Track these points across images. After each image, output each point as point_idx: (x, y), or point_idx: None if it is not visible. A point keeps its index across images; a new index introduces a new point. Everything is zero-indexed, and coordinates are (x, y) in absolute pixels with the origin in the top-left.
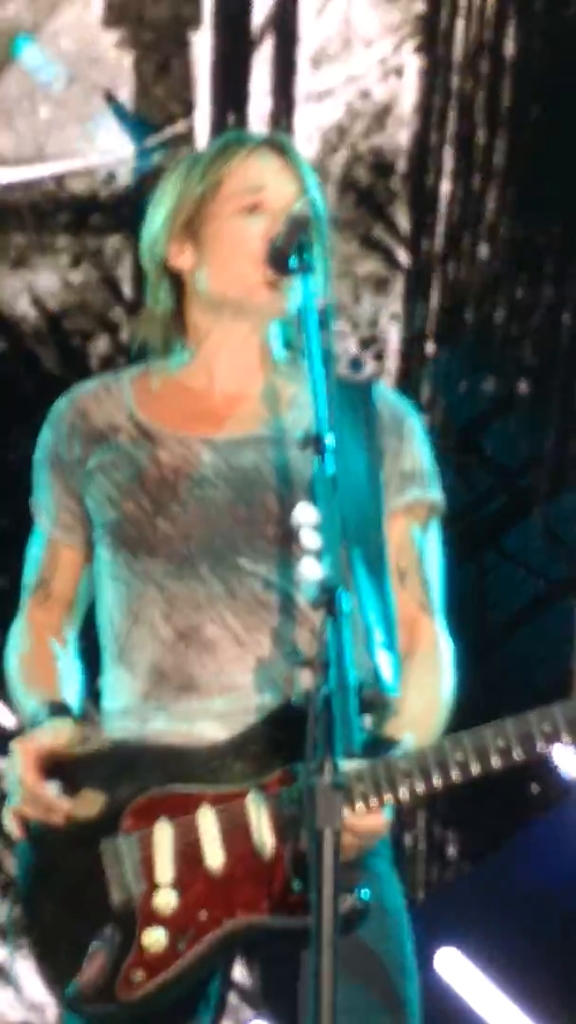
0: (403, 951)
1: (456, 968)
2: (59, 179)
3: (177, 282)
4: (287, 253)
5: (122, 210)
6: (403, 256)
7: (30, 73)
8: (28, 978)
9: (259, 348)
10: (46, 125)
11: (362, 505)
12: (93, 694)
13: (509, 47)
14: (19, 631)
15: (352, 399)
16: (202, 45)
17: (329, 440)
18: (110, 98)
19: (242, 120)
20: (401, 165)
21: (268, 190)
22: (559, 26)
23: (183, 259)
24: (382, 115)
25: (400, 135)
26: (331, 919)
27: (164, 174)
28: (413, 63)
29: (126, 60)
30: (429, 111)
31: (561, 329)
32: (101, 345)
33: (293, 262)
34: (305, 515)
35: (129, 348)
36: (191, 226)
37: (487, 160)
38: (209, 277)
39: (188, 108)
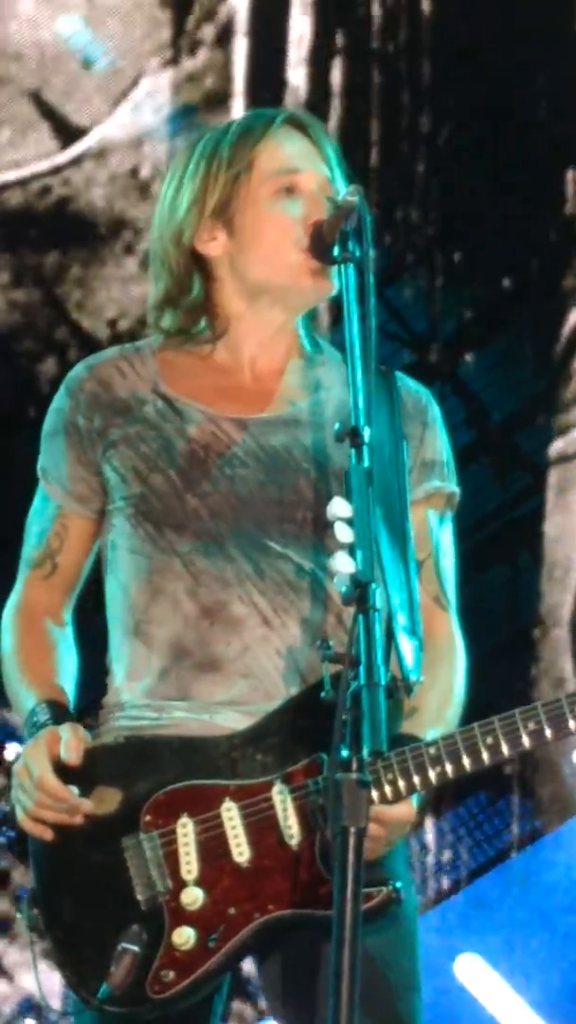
0: (413, 962)
1: (476, 973)
2: None
3: (203, 268)
4: (330, 241)
5: (58, 224)
6: None
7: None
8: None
9: (288, 334)
10: None
11: (388, 490)
12: (87, 673)
13: (426, 8)
14: (15, 611)
15: (377, 387)
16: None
17: (366, 433)
18: (38, 100)
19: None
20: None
21: (302, 173)
22: None
23: (214, 246)
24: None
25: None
26: (353, 920)
27: (179, 153)
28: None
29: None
30: (354, 91)
31: (502, 295)
32: (49, 367)
33: (336, 250)
34: (339, 509)
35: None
36: (223, 212)
37: (414, 126)
38: (249, 264)
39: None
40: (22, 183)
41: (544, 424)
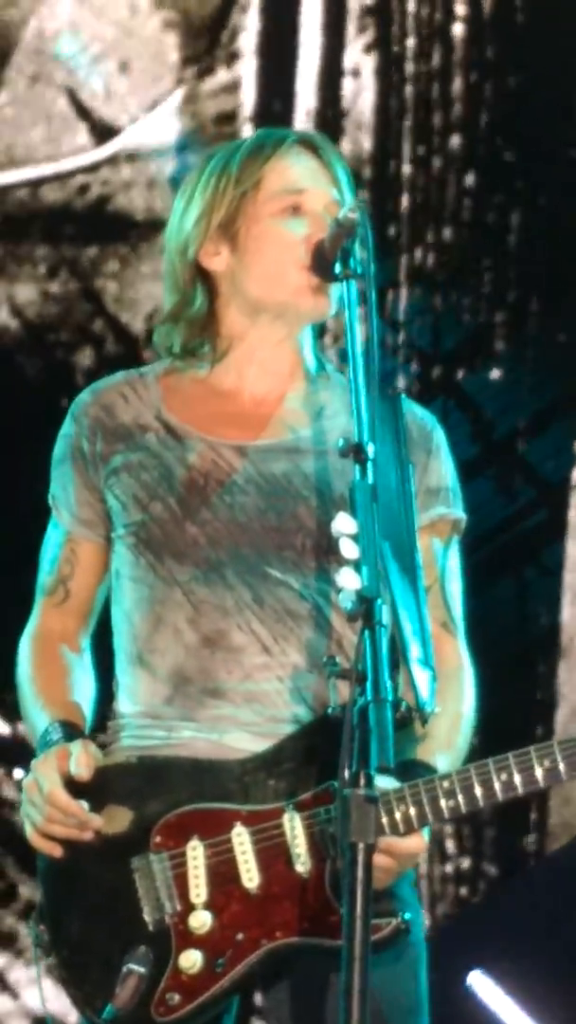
0: (416, 986)
1: (485, 991)
2: (32, 187)
3: (208, 283)
4: (332, 259)
5: (97, 221)
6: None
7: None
8: None
9: (292, 353)
10: (12, 127)
11: (395, 519)
12: (104, 696)
13: (458, 28)
14: (31, 638)
15: (382, 411)
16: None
17: (370, 449)
18: (73, 97)
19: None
20: (366, 173)
21: (307, 193)
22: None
23: (218, 260)
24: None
25: (361, 140)
26: (363, 936)
27: (192, 169)
28: (368, 63)
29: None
30: (388, 110)
31: (528, 316)
32: (85, 358)
33: (338, 268)
34: (344, 525)
35: (113, 361)
36: (228, 227)
37: (444, 143)
38: (250, 281)
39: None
40: (60, 179)
41: (549, 437)
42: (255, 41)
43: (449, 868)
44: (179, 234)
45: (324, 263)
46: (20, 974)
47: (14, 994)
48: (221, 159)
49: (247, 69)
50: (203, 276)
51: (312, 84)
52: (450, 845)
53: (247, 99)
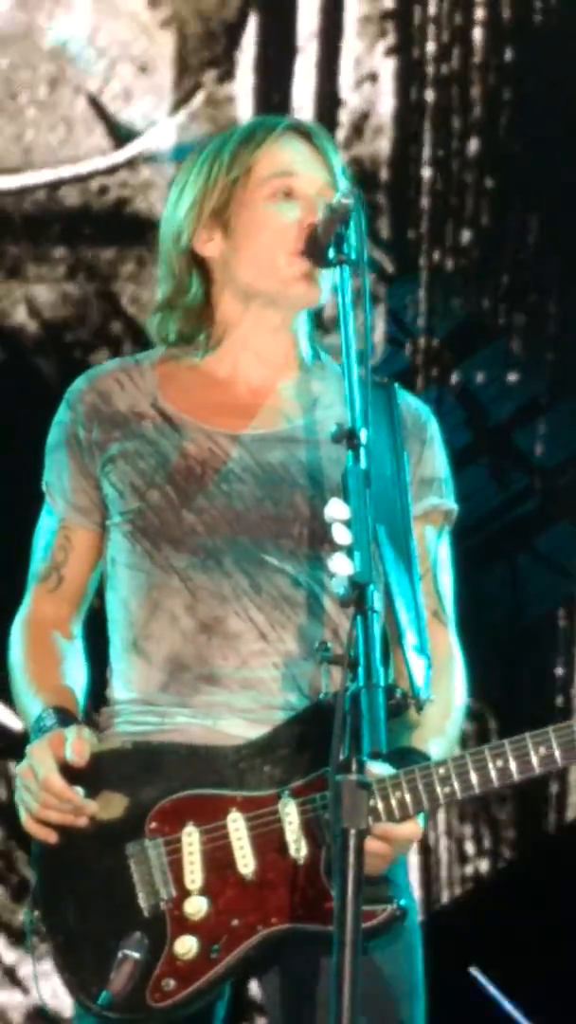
0: (414, 971)
1: (478, 986)
2: (51, 189)
3: (203, 270)
4: (326, 244)
5: (115, 223)
6: (388, 265)
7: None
8: None
9: (287, 341)
10: (32, 128)
11: (390, 506)
12: (96, 682)
13: (478, 32)
14: (24, 624)
15: (376, 400)
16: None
17: (363, 435)
18: (93, 101)
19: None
20: (383, 175)
21: (299, 176)
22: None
23: (211, 246)
24: (360, 123)
25: (380, 144)
26: (354, 921)
27: (187, 157)
28: (388, 66)
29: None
30: (408, 114)
31: (548, 318)
32: (102, 359)
33: (331, 253)
34: (337, 510)
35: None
36: (221, 214)
37: (463, 147)
38: (241, 266)
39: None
40: (78, 181)
41: (542, 424)
42: (254, 47)
43: (469, 870)
44: (173, 222)
45: (318, 248)
46: (30, 970)
47: (24, 990)
48: (214, 147)
49: (245, 72)
50: (198, 264)
51: (311, 90)
52: (469, 847)
53: (245, 103)
